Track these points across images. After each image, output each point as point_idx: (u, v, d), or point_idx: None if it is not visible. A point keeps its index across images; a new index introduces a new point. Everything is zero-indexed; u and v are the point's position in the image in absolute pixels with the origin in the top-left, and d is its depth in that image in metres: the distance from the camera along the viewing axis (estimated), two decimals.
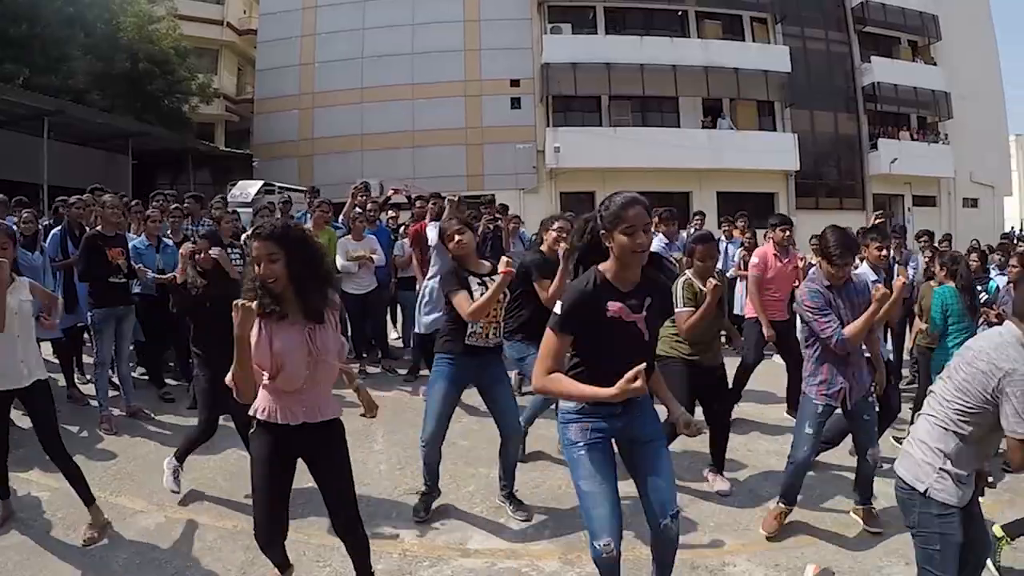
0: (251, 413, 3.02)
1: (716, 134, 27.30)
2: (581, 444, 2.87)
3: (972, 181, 31.08)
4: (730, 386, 5.07)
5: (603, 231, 2.78)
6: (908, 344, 7.60)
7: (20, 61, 20.26)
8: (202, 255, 4.82)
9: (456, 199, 6.99)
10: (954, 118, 30.15)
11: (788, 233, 6.55)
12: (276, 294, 2.89)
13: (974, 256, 7.29)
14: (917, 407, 6.31)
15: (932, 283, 6.42)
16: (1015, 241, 13.19)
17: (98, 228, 6.10)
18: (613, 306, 2.78)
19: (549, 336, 2.82)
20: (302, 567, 3.59)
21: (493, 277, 4.12)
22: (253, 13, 32.74)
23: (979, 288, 6.85)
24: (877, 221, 8.25)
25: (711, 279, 4.42)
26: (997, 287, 6.60)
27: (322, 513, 4.20)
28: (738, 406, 6.22)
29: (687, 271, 4.73)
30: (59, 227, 7.13)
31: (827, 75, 29.70)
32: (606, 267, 2.83)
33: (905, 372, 7.85)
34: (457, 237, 4.26)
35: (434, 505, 4.32)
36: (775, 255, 6.49)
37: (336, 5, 28.44)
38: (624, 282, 2.82)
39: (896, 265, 8.12)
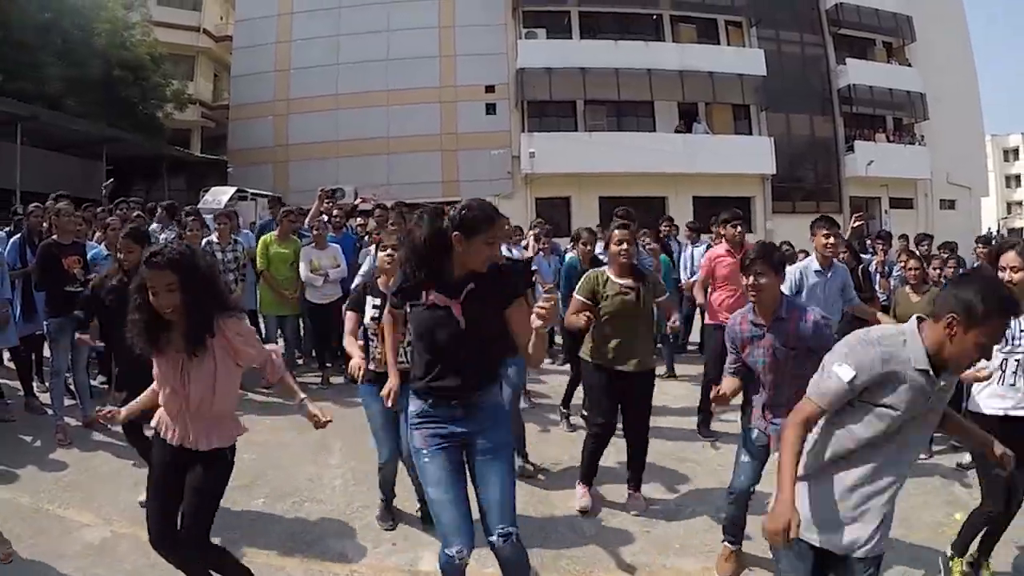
0: (153, 422, 3.12)
1: (691, 138, 27.25)
2: (425, 452, 2.93)
3: (949, 182, 31.10)
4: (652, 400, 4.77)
5: (454, 232, 2.79)
6: None
7: None
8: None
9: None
10: (930, 119, 30.17)
11: (740, 229, 6.22)
12: (154, 324, 2.90)
13: (951, 262, 7.22)
14: None
15: (907, 289, 6.41)
16: (990, 243, 12.98)
17: (54, 236, 6.08)
18: (428, 295, 2.89)
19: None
20: None
21: None
22: (229, 19, 32.53)
23: None
24: (856, 224, 8.03)
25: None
26: None
27: (271, 534, 4.21)
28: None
29: (606, 267, 4.68)
30: (18, 234, 7.07)
31: (802, 78, 29.72)
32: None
33: None
34: (384, 256, 4.32)
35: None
36: (728, 251, 6.19)
37: (311, 12, 28.31)
38: (450, 275, 2.90)
39: (879, 276, 7.97)
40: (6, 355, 7.27)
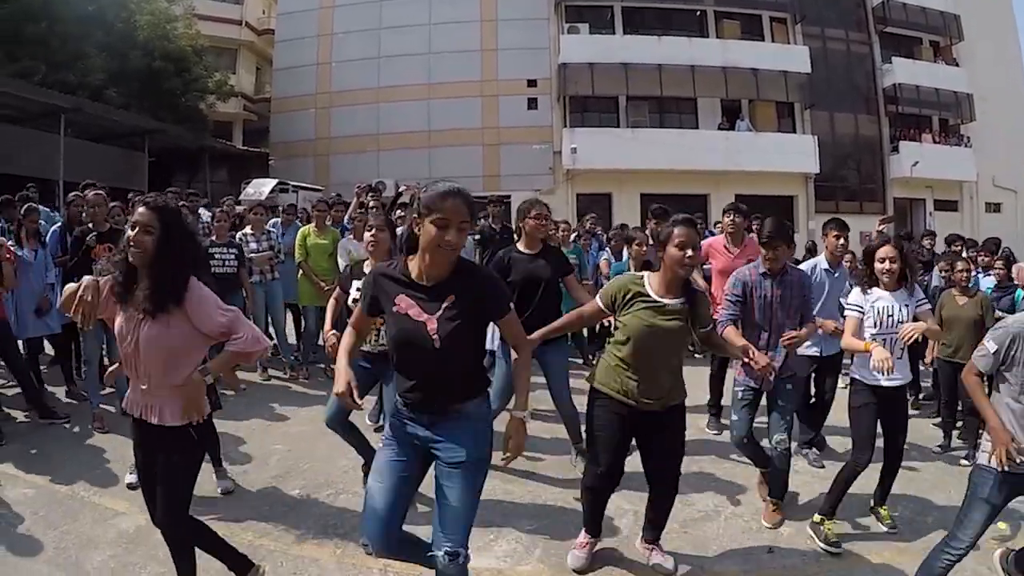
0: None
1: (734, 136, 26.89)
2: (384, 439, 2.87)
3: (995, 185, 30.54)
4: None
5: (415, 215, 2.60)
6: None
7: (38, 58, 20.34)
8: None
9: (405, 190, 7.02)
10: (977, 120, 29.61)
11: (733, 218, 6.30)
12: (131, 273, 2.84)
13: (999, 263, 6.97)
14: (947, 424, 6.10)
15: (954, 291, 6.19)
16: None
17: (90, 224, 6.05)
18: (401, 300, 2.66)
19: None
20: None
21: None
22: (271, 13, 32.80)
23: (1003, 297, 6.56)
24: (881, 227, 7.88)
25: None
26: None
27: (305, 524, 4.14)
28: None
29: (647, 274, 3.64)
30: (58, 224, 7.09)
31: (847, 76, 29.30)
32: (413, 257, 2.69)
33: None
34: (367, 237, 4.43)
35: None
36: (725, 246, 6.28)
37: (353, 5, 28.36)
38: (426, 276, 2.65)
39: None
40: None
